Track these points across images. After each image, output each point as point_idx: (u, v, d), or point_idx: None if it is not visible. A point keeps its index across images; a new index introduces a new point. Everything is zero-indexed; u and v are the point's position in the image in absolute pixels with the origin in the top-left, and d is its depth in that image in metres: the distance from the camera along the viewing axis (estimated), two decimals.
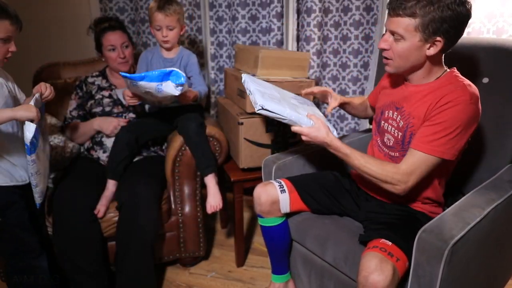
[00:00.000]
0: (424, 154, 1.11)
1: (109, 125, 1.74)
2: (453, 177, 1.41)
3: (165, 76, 1.40)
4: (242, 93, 1.82)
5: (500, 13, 1.68)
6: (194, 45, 2.34)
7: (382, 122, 1.32)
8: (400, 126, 1.23)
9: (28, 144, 1.19)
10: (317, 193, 1.40)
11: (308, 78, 1.88)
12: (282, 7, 2.18)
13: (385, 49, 1.16)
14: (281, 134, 1.81)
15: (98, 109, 1.81)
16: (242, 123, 1.73)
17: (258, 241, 2.09)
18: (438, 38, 1.07)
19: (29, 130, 1.19)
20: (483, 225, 1.02)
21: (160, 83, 1.39)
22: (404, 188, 1.14)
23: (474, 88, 1.12)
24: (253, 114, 1.77)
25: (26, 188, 1.38)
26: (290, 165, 1.52)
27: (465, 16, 1.06)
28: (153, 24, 1.72)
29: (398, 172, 1.13)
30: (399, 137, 1.23)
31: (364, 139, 1.71)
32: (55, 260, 1.51)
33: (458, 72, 1.18)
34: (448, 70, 1.19)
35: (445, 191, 1.40)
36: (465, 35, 1.76)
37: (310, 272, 1.41)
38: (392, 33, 1.12)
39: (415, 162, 1.12)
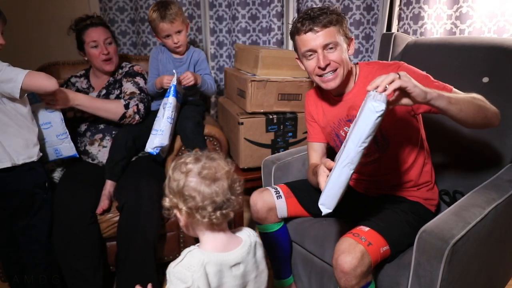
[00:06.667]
0: (452, 91, 1.10)
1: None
2: (453, 176, 1.41)
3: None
4: (242, 93, 1.82)
5: (501, 13, 1.68)
6: (194, 45, 2.34)
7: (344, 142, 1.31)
8: None
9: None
10: (317, 198, 1.39)
11: (308, 78, 1.88)
12: (282, 6, 2.18)
13: (327, 66, 1.15)
14: (281, 134, 1.81)
15: (70, 114, 1.73)
16: (242, 123, 1.73)
17: None
18: (351, 37, 1.20)
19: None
20: (483, 225, 1.02)
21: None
22: None
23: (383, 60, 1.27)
24: (253, 114, 1.77)
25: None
26: (290, 165, 1.52)
27: None
28: (160, 34, 1.71)
29: (479, 95, 1.08)
30: None
31: None
32: (54, 260, 1.51)
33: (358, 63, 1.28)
34: (355, 64, 1.26)
35: (445, 191, 1.40)
36: (465, 34, 1.78)
37: (310, 272, 1.41)
38: (325, 46, 1.14)
39: (459, 94, 1.08)
